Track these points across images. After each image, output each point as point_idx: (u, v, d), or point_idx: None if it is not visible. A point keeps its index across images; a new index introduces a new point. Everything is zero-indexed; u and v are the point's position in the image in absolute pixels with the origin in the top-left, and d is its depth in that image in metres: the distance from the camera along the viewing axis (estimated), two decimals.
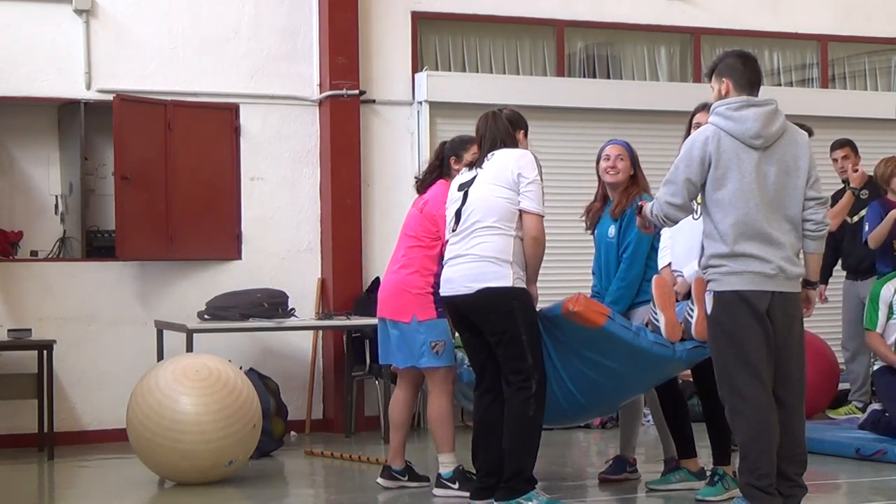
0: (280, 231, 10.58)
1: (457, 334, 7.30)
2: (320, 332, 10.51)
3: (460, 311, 6.90)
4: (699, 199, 6.26)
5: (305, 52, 10.67)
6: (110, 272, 10.09)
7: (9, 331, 9.55)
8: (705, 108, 6.82)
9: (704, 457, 7.64)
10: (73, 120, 10.27)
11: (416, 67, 10.90)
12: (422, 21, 11.02)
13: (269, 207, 10.56)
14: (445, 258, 6.99)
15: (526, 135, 7.05)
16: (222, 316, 9.66)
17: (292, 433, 10.20)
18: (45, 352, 9.43)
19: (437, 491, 7.42)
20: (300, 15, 10.66)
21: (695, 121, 7.24)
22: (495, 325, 6.76)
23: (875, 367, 9.00)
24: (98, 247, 10.29)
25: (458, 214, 6.91)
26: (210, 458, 7.85)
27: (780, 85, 12.04)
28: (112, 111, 9.83)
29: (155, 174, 10.03)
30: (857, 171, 9.73)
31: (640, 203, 6.65)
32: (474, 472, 7.30)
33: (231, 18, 10.52)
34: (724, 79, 6.23)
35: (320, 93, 10.62)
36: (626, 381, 7.09)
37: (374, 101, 10.76)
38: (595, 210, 7.69)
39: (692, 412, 7.68)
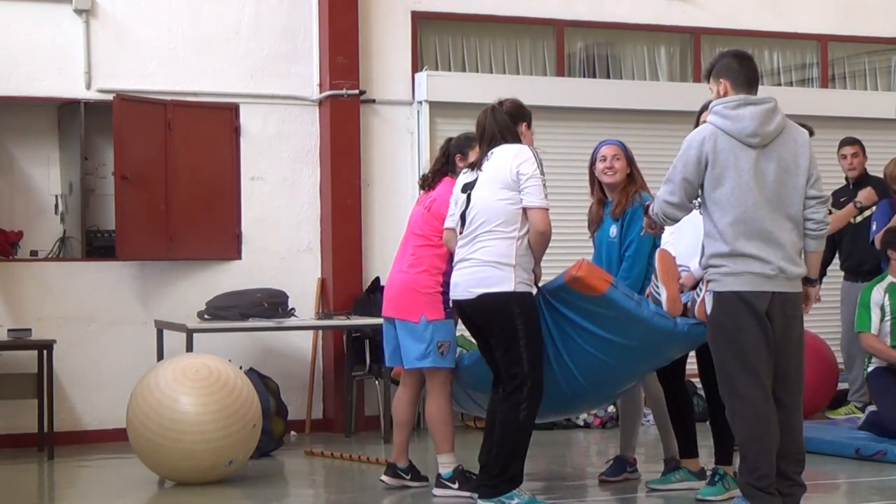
0: (280, 231, 10.58)
1: (458, 334, 7.39)
2: (320, 332, 10.51)
3: (467, 314, 6.96)
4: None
5: (305, 52, 10.67)
6: (110, 272, 10.09)
7: (9, 331, 9.55)
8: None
9: (705, 457, 7.65)
10: (73, 120, 10.27)
11: (416, 67, 10.90)
12: (422, 21, 11.02)
13: (269, 207, 10.56)
14: (454, 261, 7.01)
15: (529, 126, 7.01)
16: (222, 316, 9.66)
17: (292, 433, 10.20)
18: (45, 352, 9.43)
19: (436, 491, 7.43)
20: (300, 15, 10.66)
21: (702, 119, 7.25)
22: (495, 329, 6.80)
23: (869, 369, 9.00)
24: (98, 247, 10.28)
25: (462, 218, 6.93)
26: (210, 458, 7.85)
27: (780, 85, 12.04)
28: (112, 111, 9.83)
29: (155, 174, 10.03)
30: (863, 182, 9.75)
31: (646, 204, 6.64)
32: (474, 471, 7.32)
33: (231, 18, 10.52)
34: (721, 79, 6.24)
35: (320, 93, 10.62)
36: (628, 357, 6.98)
37: (374, 101, 10.76)
38: (595, 214, 7.68)
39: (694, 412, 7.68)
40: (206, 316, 9.69)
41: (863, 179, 10.03)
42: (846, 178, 10.16)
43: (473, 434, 10.14)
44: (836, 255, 10.17)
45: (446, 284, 7.25)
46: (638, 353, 7.01)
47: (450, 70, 11.09)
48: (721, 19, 11.84)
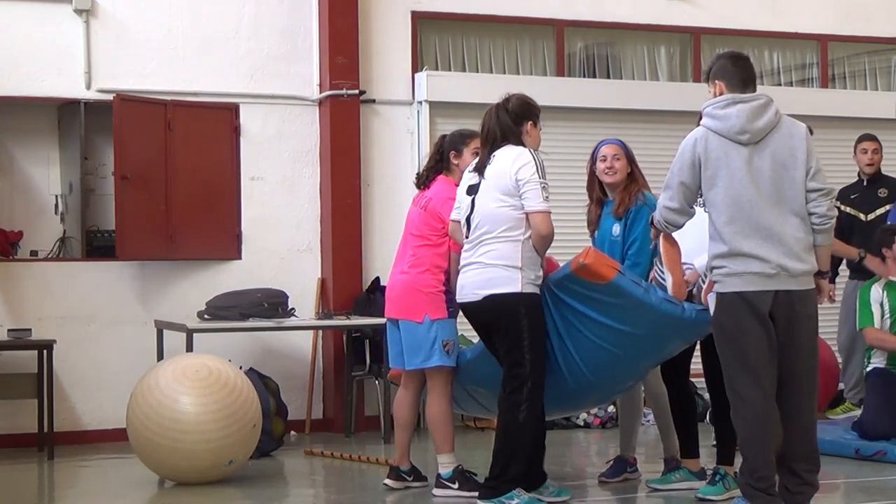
0: (280, 231, 10.58)
1: (459, 333, 7.41)
2: (320, 332, 10.51)
3: (474, 316, 6.97)
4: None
5: (305, 52, 10.67)
6: (110, 272, 10.09)
7: (9, 331, 9.55)
8: None
9: (705, 456, 7.65)
10: (73, 120, 10.27)
11: (416, 67, 10.90)
12: (422, 21, 11.02)
13: (269, 207, 10.56)
14: (460, 265, 7.01)
15: (536, 123, 6.96)
16: (222, 316, 9.65)
17: (292, 433, 10.20)
18: (45, 352, 9.43)
19: (436, 491, 7.43)
20: (300, 15, 10.66)
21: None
22: (500, 329, 6.81)
23: (869, 368, 8.98)
24: (98, 247, 10.29)
25: (468, 222, 6.94)
26: (210, 458, 7.85)
27: (780, 85, 12.04)
28: (112, 111, 9.83)
29: (155, 174, 10.03)
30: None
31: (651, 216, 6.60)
32: (474, 471, 7.32)
33: (231, 18, 10.52)
34: (717, 81, 6.26)
35: (320, 93, 10.62)
36: (634, 346, 6.93)
37: (374, 101, 10.76)
38: (594, 213, 7.67)
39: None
40: (206, 316, 9.69)
41: (877, 177, 10.00)
42: (859, 175, 10.10)
43: (473, 434, 10.16)
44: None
45: (448, 283, 7.27)
46: (645, 342, 6.95)
47: (450, 70, 11.09)
48: (721, 19, 11.85)
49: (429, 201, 7.50)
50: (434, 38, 11.14)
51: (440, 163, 7.63)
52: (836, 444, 8.61)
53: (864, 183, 10.02)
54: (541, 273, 6.87)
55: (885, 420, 8.60)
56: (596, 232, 7.65)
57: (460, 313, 7.44)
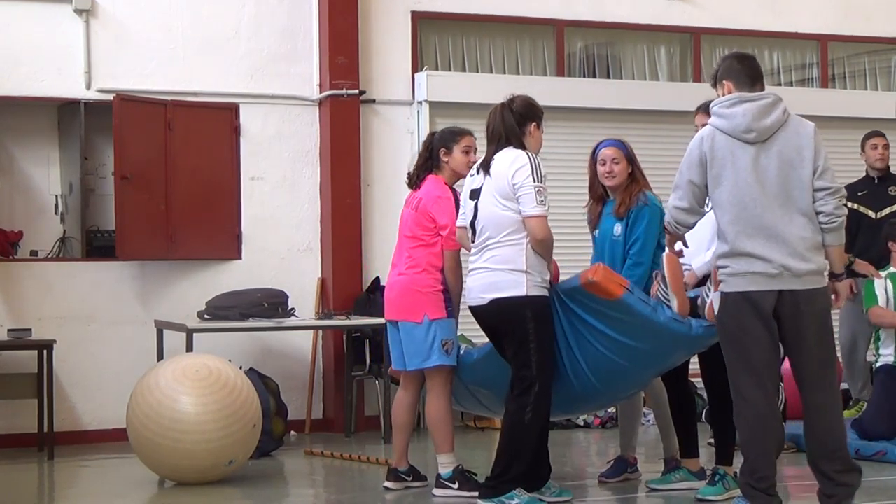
0: (280, 231, 10.58)
1: (459, 333, 7.41)
2: (320, 332, 10.51)
3: (481, 319, 6.99)
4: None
5: (305, 52, 10.67)
6: (110, 272, 10.09)
7: (9, 331, 9.55)
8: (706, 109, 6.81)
9: (705, 456, 7.65)
10: (73, 120, 10.27)
11: (416, 67, 10.90)
12: (422, 21, 11.02)
13: (268, 207, 10.56)
14: (468, 269, 7.01)
15: (539, 125, 6.96)
16: (222, 316, 9.65)
17: (292, 433, 10.20)
18: (45, 351, 9.43)
19: (436, 491, 7.42)
20: (300, 15, 10.66)
21: (695, 122, 7.25)
22: (507, 333, 6.83)
23: (878, 364, 8.97)
24: (98, 247, 10.29)
25: (473, 226, 6.95)
26: (210, 458, 7.85)
27: (780, 85, 12.02)
28: (112, 111, 9.83)
29: (155, 174, 10.03)
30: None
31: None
32: (474, 471, 7.32)
33: (231, 18, 10.52)
34: (724, 81, 6.23)
35: (320, 93, 10.62)
36: (640, 359, 6.96)
37: (374, 101, 10.76)
38: (594, 212, 7.67)
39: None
40: (206, 316, 9.69)
41: (888, 175, 9.97)
42: (867, 172, 10.04)
43: (473, 434, 10.17)
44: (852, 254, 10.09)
45: (445, 283, 7.28)
46: (651, 356, 7.01)
47: (450, 70, 11.09)
48: (721, 19, 11.85)
49: (419, 202, 7.49)
50: (434, 38, 11.14)
51: (429, 160, 7.60)
52: None
53: (875, 180, 9.96)
54: (548, 276, 6.87)
55: (884, 420, 8.59)
56: (596, 231, 7.64)
57: (460, 314, 7.47)
